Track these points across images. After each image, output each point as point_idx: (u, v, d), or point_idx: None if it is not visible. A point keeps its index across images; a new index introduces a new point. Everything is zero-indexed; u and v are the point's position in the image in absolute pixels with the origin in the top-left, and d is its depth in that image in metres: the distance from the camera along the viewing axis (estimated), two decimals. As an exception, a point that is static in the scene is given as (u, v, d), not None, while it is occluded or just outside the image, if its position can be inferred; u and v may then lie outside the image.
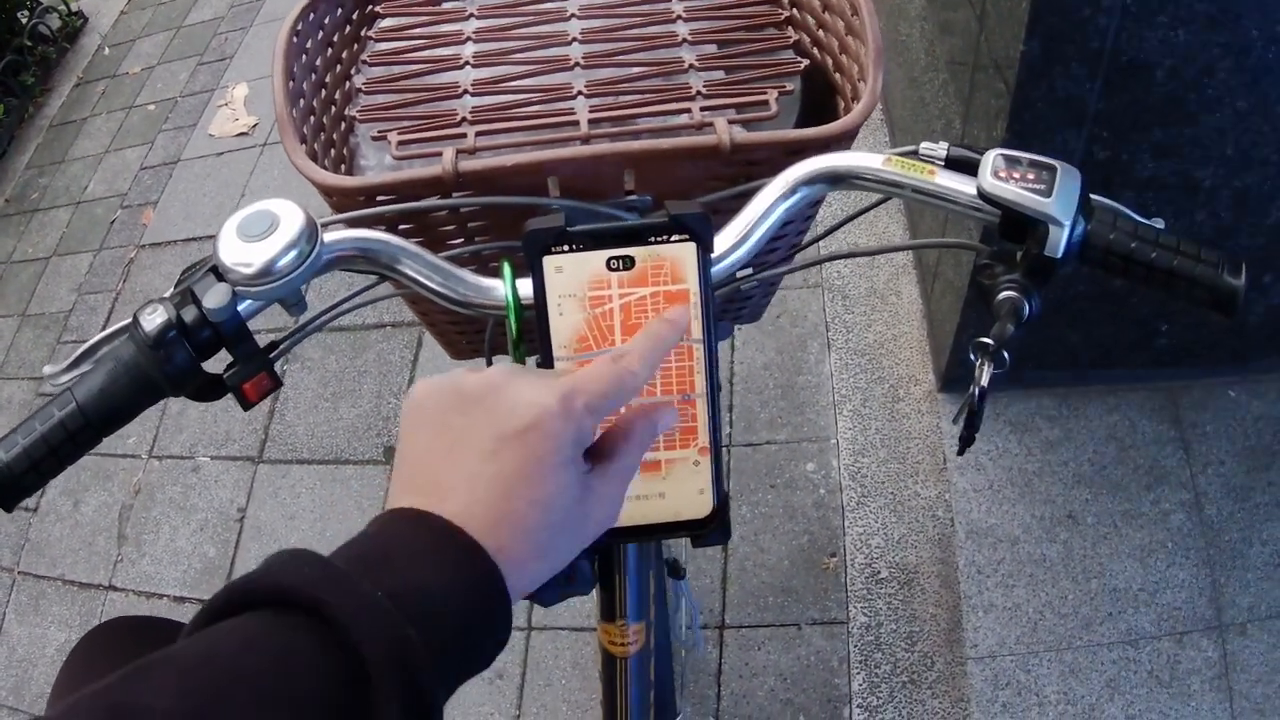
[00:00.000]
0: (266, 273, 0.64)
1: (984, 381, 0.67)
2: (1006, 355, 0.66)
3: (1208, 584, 1.78)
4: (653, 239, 0.59)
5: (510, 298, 0.67)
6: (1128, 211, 0.69)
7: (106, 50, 4.35)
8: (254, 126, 3.48)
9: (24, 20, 4.23)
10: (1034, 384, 2.01)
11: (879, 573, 1.93)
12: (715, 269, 0.65)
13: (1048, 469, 1.92)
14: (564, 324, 0.60)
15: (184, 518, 2.48)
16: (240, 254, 0.64)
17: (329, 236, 0.67)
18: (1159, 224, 0.69)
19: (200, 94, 3.79)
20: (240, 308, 0.66)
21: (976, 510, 1.90)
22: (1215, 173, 1.58)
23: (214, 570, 2.34)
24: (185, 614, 2.27)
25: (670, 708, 1.53)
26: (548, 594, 0.93)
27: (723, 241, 0.68)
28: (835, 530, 2.02)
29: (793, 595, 1.95)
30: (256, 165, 3.32)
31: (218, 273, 0.66)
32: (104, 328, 2.43)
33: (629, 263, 0.59)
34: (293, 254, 0.64)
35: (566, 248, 0.58)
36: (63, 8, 4.43)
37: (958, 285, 1.91)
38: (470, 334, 1.07)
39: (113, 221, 3.42)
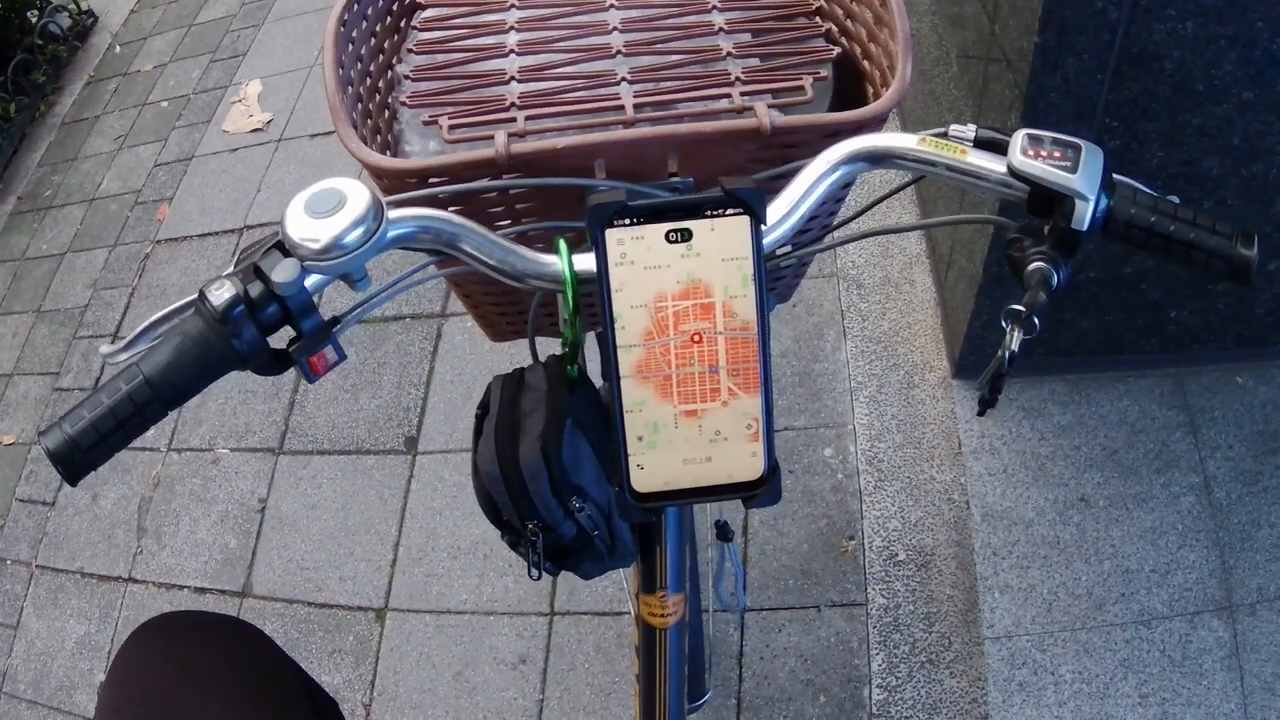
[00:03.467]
0: (334, 248, 0.66)
1: (1014, 346, 0.70)
2: (1037, 322, 0.69)
3: (1218, 565, 1.81)
4: (709, 213, 0.62)
5: (567, 273, 0.69)
6: (1145, 188, 0.72)
7: (117, 48, 4.37)
8: (269, 122, 3.50)
9: (34, 19, 4.26)
10: (1046, 370, 2.03)
11: (897, 555, 1.96)
12: (764, 241, 0.68)
13: (1060, 453, 1.95)
14: (625, 295, 0.63)
15: (204, 509, 2.50)
16: (308, 230, 0.66)
17: (392, 214, 0.70)
18: (1174, 200, 0.73)
19: (213, 91, 3.81)
20: (306, 282, 0.67)
21: (991, 494, 1.93)
22: (1223, 162, 1.61)
23: (235, 561, 2.37)
24: (206, 605, 2.31)
25: (700, 684, 1.57)
26: (589, 568, 0.96)
27: (771, 215, 0.71)
28: (853, 514, 2.04)
29: (812, 578, 1.98)
30: (272, 161, 3.34)
31: (283, 249, 0.68)
32: (120, 323, 2.45)
33: (687, 235, 0.62)
34: (360, 230, 0.66)
35: (628, 221, 0.62)
36: (73, 6, 4.46)
37: (971, 273, 1.93)
38: (511, 315, 1.10)
39: (127, 218, 3.45)
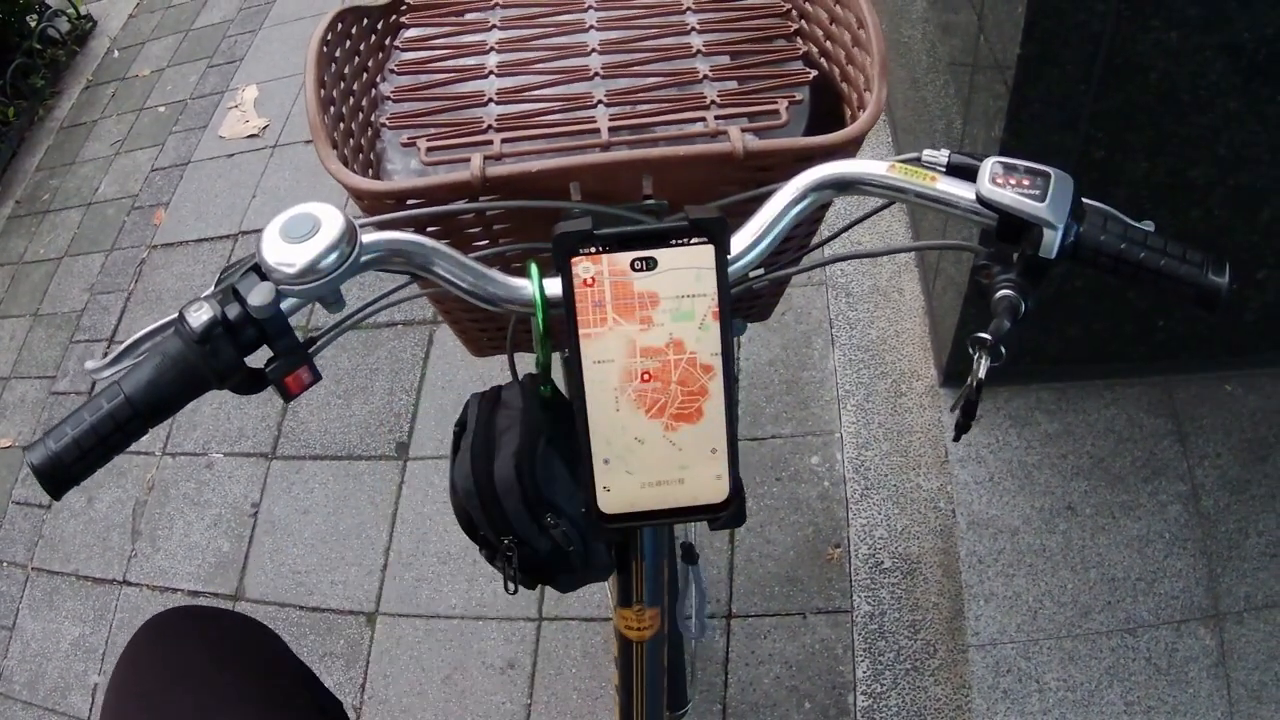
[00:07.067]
0: (309, 272, 0.67)
1: (981, 374, 0.71)
2: (1003, 349, 0.70)
3: (1204, 574, 1.81)
4: (674, 241, 0.63)
5: (538, 296, 0.71)
6: (1118, 214, 0.73)
7: (116, 53, 4.38)
8: (264, 128, 3.51)
9: (33, 23, 4.27)
10: (1033, 378, 2.04)
11: (882, 563, 1.96)
12: (730, 269, 0.69)
13: (1047, 461, 1.96)
14: (591, 320, 0.64)
15: (198, 513, 2.52)
16: (284, 254, 0.67)
17: (366, 238, 0.70)
18: (1149, 226, 0.73)
19: (210, 96, 3.82)
20: (282, 305, 0.69)
21: (977, 502, 1.93)
22: (1208, 172, 1.61)
23: (228, 564, 2.38)
24: (201, 607, 2.32)
25: (681, 695, 1.58)
26: (565, 581, 0.97)
27: (737, 243, 0.72)
28: (839, 522, 2.05)
29: (798, 585, 1.99)
30: (268, 166, 3.35)
31: (260, 272, 0.69)
32: (116, 327, 2.47)
33: (652, 264, 0.63)
34: (334, 255, 0.67)
35: (594, 249, 0.63)
36: (71, 11, 4.46)
37: (959, 282, 1.94)
38: (492, 332, 1.11)
39: (124, 222, 3.46)
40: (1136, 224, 0.73)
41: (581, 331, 0.64)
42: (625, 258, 0.63)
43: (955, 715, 1.77)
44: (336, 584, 2.27)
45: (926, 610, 1.89)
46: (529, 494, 0.85)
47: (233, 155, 3.49)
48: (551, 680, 1.99)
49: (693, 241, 0.63)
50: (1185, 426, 1.97)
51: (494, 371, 2.41)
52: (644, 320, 0.64)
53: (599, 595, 2.06)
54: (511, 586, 0.90)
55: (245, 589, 2.33)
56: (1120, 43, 1.42)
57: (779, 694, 1.87)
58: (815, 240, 0.99)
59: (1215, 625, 1.76)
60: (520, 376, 0.95)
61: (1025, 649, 1.77)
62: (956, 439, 0.75)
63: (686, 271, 0.63)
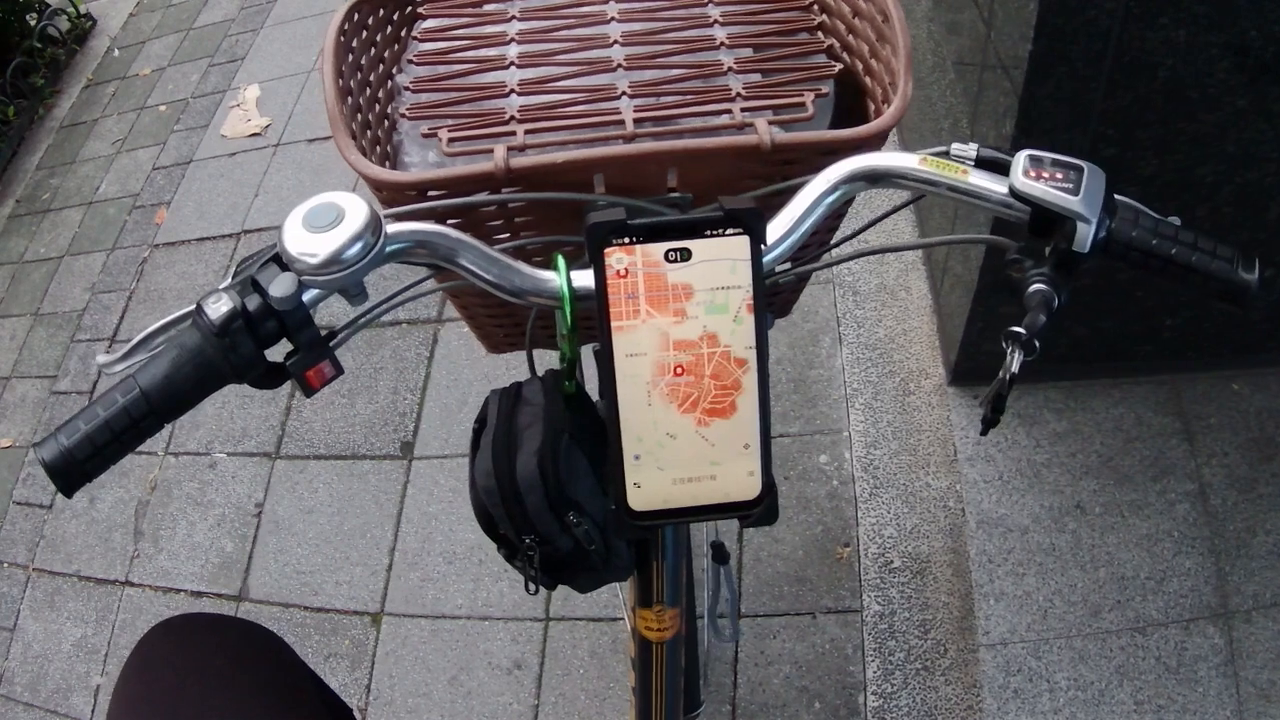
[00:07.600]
0: (333, 263, 0.65)
1: (1014, 368, 0.70)
2: (1037, 344, 0.70)
3: (1213, 573, 1.81)
4: (709, 233, 0.62)
5: (565, 289, 0.69)
6: (1147, 209, 0.73)
7: (116, 52, 4.37)
8: (266, 127, 3.50)
9: (33, 22, 4.26)
10: (1041, 377, 2.04)
11: (892, 562, 1.96)
12: (763, 260, 0.68)
13: (1056, 460, 1.96)
14: (623, 312, 0.63)
15: (201, 513, 2.51)
16: (306, 244, 0.66)
17: (390, 228, 0.69)
18: (1176, 221, 0.73)
19: (212, 95, 3.81)
20: (304, 297, 0.67)
21: (987, 501, 1.93)
22: (1216, 169, 1.61)
23: (231, 565, 2.37)
24: (203, 609, 2.31)
25: (695, 698, 1.57)
26: (585, 581, 0.96)
27: (770, 235, 0.71)
28: (848, 521, 2.05)
29: (807, 585, 1.99)
30: (270, 165, 3.34)
31: (280, 262, 0.67)
32: (118, 326, 2.45)
33: (686, 255, 0.62)
34: (359, 245, 0.66)
35: (627, 240, 0.62)
36: (71, 10, 4.45)
37: (967, 280, 1.94)
38: (509, 328, 1.10)
39: (125, 221, 3.45)
40: (1164, 219, 0.73)
41: (614, 324, 0.63)
42: (659, 249, 0.62)
43: (966, 715, 1.76)
44: (341, 584, 2.26)
45: (936, 609, 1.89)
46: (552, 492, 0.84)
47: (235, 154, 3.48)
48: (559, 681, 1.98)
49: (728, 232, 0.62)
50: (1193, 425, 1.97)
51: (499, 370, 2.40)
52: (677, 313, 0.63)
53: (606, 595, 2.05)
54: (533, 587, 0.89)
55: (249, 589, 2.32)
56: (1129, 40, 1.42)
57: (788, 694, 1.87)
58: (836, 237, 0.98)
59: (1224, 624, 1.76)
60: (539, 373, 0.94)
61: (1036, 648, 1.77)
62: (984, 433, 0.75)
63: (721, 263, 0.62)
